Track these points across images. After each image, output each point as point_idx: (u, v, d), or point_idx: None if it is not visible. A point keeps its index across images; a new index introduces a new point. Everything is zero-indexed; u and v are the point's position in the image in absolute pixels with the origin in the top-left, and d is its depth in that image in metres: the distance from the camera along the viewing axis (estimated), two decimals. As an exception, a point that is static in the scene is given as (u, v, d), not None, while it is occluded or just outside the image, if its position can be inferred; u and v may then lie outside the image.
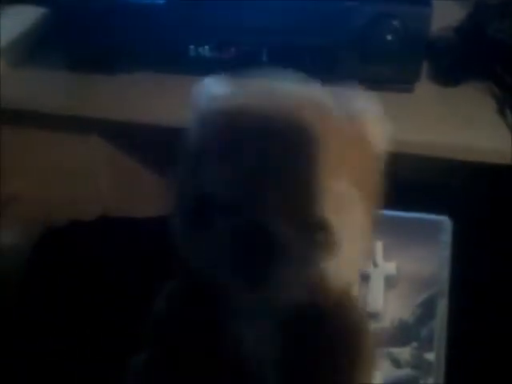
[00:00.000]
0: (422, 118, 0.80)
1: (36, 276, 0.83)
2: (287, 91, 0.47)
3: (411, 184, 0.81)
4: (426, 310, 0.63)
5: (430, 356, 0.62)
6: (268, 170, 0.43)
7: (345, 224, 0.44)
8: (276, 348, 0.47)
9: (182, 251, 0.47)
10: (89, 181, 1.00)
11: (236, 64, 0.87)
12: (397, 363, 0.63)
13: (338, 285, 0.46)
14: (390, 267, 0.64)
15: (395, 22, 0.79)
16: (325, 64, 0.84)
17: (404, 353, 0.63)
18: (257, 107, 0.45)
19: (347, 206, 0.44)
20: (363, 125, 0.47)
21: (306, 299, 0.45)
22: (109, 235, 0.84)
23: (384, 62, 0.80)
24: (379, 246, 0.65)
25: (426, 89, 0.83)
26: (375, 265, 0.65)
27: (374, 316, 0.64)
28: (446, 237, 0.63)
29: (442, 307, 0.63)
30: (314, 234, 0.43)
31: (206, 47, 0.90)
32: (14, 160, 0.99)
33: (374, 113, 0.49)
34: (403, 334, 0.63)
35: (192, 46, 0.90)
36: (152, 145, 0.94)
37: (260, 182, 0.43)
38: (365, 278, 0.65)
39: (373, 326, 0.64)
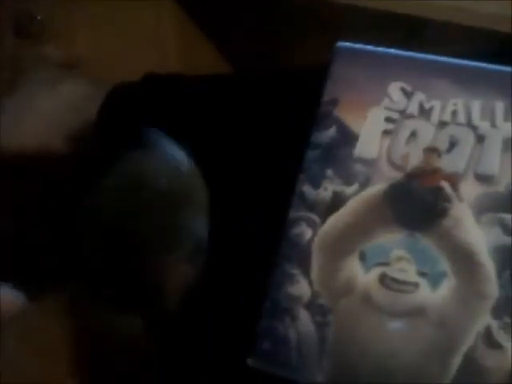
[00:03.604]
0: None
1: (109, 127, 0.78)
2: None
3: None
4: (546, 177, 0.59)
5: (545, 224, 0.59)
6: None
7: None
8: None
9: None
10: (155, 44, 0.96)
11: None
12: (507, 230, 0.59)
13: None
14: (510, 129, 0.60)
15: None
16: None
17: (517, 220, 0.59)
18: None
19: None
20: None
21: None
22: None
23: None
24: (500, 106, 0.60)
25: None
26: (493, 126, 0.60)
27: (488, 179, 0.60)
28: None
29: None
30: None
31: None
32: (79, 21, 0.94)
33: None
34: (518, 200, 0.60)
35: None
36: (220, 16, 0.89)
37: None
38: (480, 139, 0.61)
39: (486, 189, 0.60)
